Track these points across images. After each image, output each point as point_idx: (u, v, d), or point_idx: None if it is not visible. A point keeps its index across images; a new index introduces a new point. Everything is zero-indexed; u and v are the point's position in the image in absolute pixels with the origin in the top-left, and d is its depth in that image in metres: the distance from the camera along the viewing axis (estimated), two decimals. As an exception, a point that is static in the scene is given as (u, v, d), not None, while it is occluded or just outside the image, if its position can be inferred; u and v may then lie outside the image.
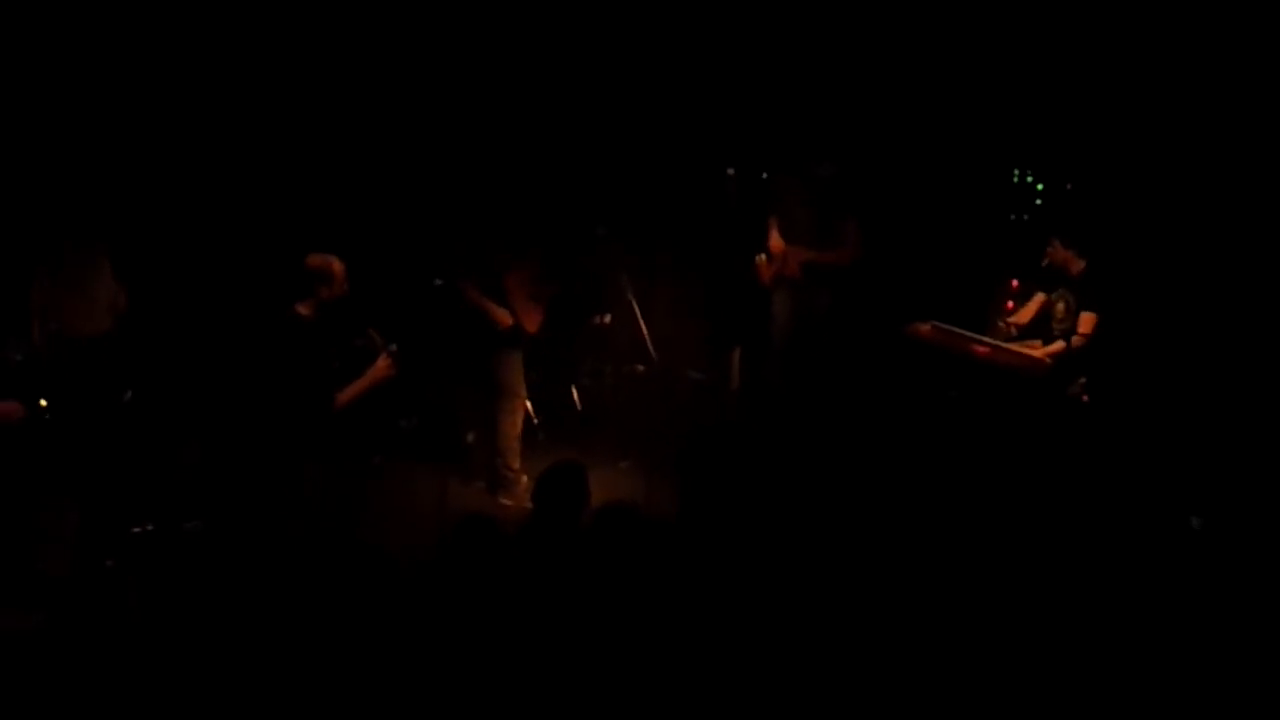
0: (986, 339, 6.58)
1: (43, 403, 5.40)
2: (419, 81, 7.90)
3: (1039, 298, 6.68)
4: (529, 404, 7.11)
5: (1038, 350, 6.45)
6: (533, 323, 6.77)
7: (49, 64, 6.69)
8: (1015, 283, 7.13)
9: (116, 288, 6.32)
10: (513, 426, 6.83)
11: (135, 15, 6.95)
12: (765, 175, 8.19)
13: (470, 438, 7.24)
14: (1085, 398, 6.33)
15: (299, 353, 5.52)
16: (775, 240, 7.41)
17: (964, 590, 5.26)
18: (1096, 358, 6.35)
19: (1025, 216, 8.05)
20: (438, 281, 6.50)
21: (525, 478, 6.65)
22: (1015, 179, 8.13)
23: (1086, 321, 6.34)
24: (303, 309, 5.57)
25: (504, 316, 6.66)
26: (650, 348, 7.50)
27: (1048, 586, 5.29)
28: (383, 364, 5.72)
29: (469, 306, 6.68)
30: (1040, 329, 6.64)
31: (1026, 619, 5.00)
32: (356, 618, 4.83)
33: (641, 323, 7.37)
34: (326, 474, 5.64)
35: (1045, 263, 6.58)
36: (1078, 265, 6.47)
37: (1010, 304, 7.22)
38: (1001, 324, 6.73)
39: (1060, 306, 6.51)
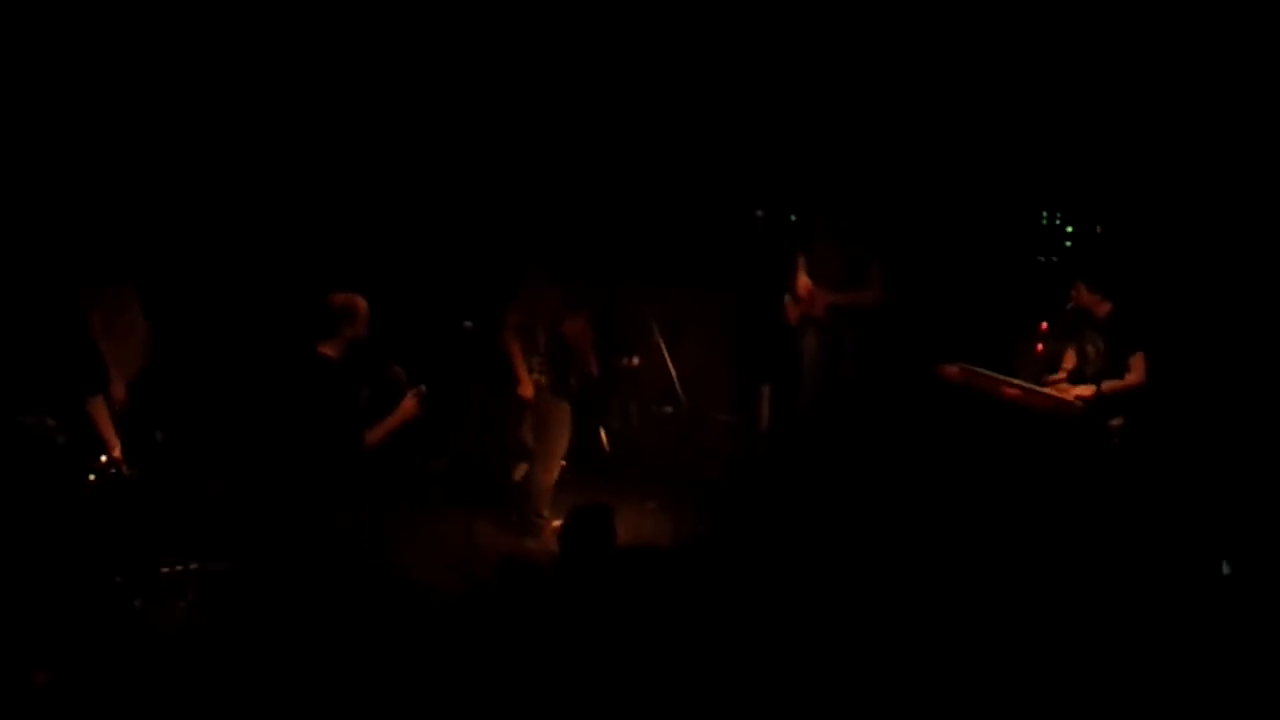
0: (1016, 381, 6.54)
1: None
2: (451, 124, 7.96)
3: (1070, 352, 6.66)
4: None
5: (1067, 392, 6.41)
6: (594, 367, 6.88)
7: (72, 110, 6.77)
8: (1044, 325, 7.10)
9: (146, 328, 6.36)
10: (548, 474, 6.86)
11: (159, 59, 7.03)
12: (793, 217, 8.20)
13: (501, 480, 7.26)
14: (1115, 440, 6.28)
15: (328, 392, 5.54)
16: (802, 281, 7.42)
17: (990, 627, 5.22)
18: (1133, 399, 6.32)
19: (1054, 258, 8.02)
20: (468, 324, 6.52)
21: (554, 522, 6.64)
22: (1044, 221, 8.11)
23: (1138, 366, 6.32)
24: (327, 349, 5.59)
25: (526, 388, 6.76)
26: (678, 388, 7.49)
27: (1074, 623, 5.25)
28: (409, 403, 5.73)
29: (503, 360, 6.75)
30: (1070, 371, 6.63)
31: (1050, 659, 4.96)
32: (383, 655, 4.85)
33: (669, 363, 7.36)
34: (356, 513, 5.65)
35: (1070, 306, 6.55)
36: (1104, 308, 6.45)
37: (1040, 346, 7.17)
38: (1060, 373, 6.70)
39: (1090, 350, 6.48)
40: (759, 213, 8.36)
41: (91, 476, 5.27)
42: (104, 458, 5.33)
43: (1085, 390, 6.28)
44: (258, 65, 7.32)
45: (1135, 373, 6.34)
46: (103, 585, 5.25)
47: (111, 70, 6.86)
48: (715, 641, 4.40)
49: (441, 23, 7.75)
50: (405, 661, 4.86)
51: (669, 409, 8.10)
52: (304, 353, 5.59)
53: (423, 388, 5.75)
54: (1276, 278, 6.87)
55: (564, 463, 7.16)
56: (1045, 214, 8.20)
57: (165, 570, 5.67)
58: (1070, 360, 6.67)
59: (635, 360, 8.01)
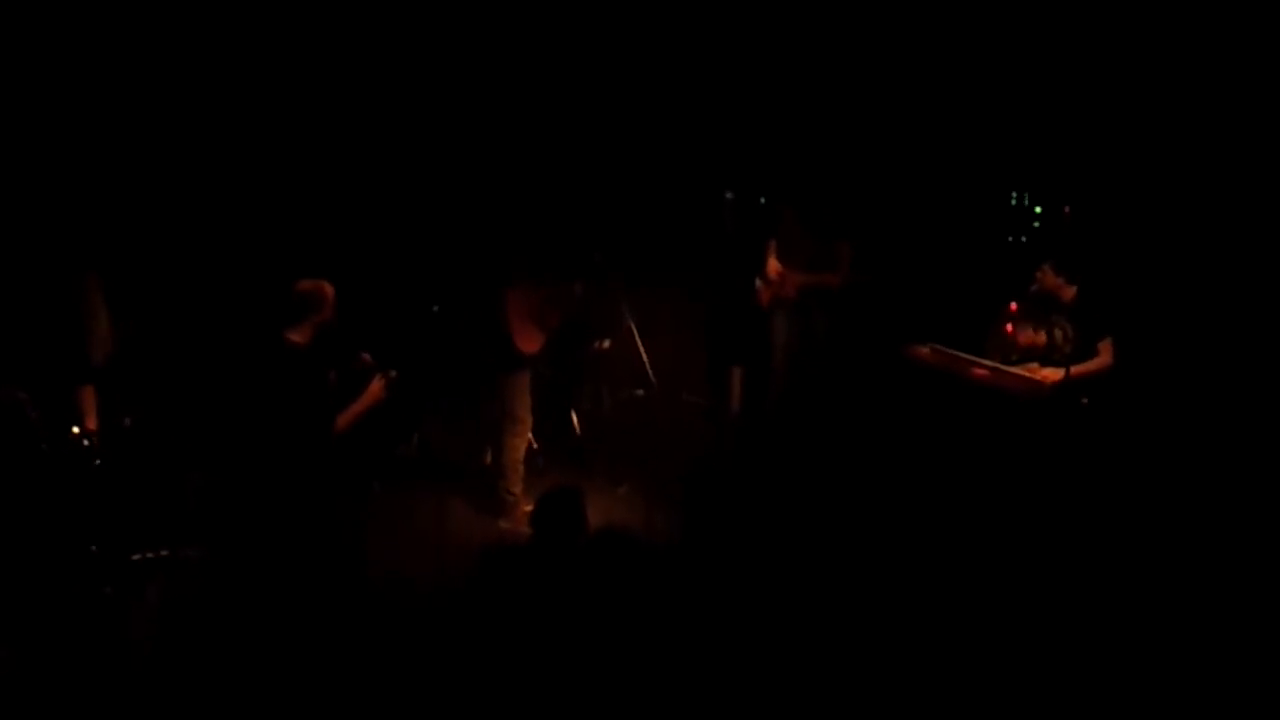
0: (986, 361, 6.57)
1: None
2: (413, 103, 7.92)
3: (1040, 334, 6.69)
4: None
5: (1037, 373, 6.44)
6: (530, 343, 6.75)
7: (38, 99, 6.72)
8: (1014, 305, 7.14)
9: (108, 316, 6.31)
10: (515, 450, 6.81)
11: (126, 45, 6.98)
12: (763, 199, 8.21)
13: (478, 460, 7.26)
14: (1085, 400, 6.32)
15: (296, 380, 5.51)
16: (772, 264, 7.45)
17: (965, 610, 5.26)
18: (1102, 383, 6.35)
19: (1023, 239, 8.05)
20: (435, 308, 6.50)
21: (525, 504, 6.64)
22: (1013, 202, 8.14)
23: (1106, 350, 6.35)
24: (295, 335, 5.56)
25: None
26: (650, 372, 7.50)
27: (1045, 606, 5.28)
28: (376, 387, 5.72)
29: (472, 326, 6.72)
30: (1039, 352, 6.65)
31: (1026, 640, 5.00)
32: (360, 640, 4.85)
33: (641, 347, 7.36)
34: (327, 499, 5.64)
35: (1034, 288, 6.58)
36: (1069, 292, 6.48)
37: (1010, 327, 7.20)
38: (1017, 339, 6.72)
39: (1058, 333, 6.50)
40: (729, 195, 8.37)
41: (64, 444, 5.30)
42: (75, 429, 5.33)
43: (1055, 373, 6.32)
44: (221, 52, 7.27)
45: (1104, 356, 6.37)
46: (70, 565, 5.24)
47: (73, 57, 6.80)
48: (688, 628, 4.41)
49: (406, 7, 7.72)
50: (379, 649, 4.86)
51: (640, 392, 8.10)
52: (271, 341, 5.57)
53: (392, 372, 5.73)
54: (1244, 261, 6.92)
55: (535, 445, 7.16)
56: (1014, 194, 8.22)
57: (136, 557, 5.66)
58: (1041, 341, 6.70)
59: (606, 343, 7.99)
